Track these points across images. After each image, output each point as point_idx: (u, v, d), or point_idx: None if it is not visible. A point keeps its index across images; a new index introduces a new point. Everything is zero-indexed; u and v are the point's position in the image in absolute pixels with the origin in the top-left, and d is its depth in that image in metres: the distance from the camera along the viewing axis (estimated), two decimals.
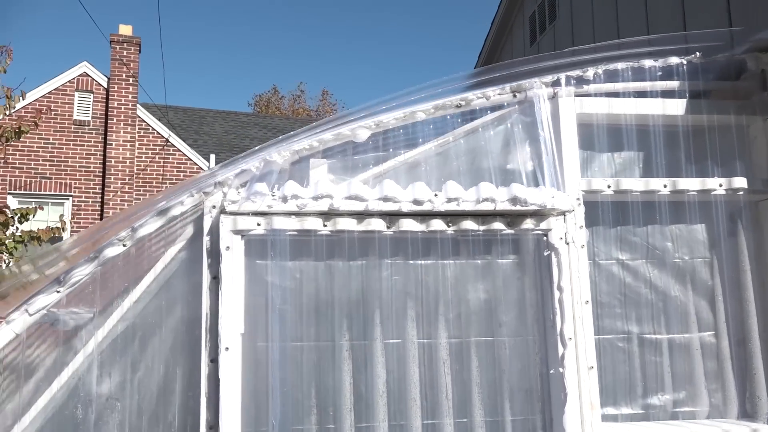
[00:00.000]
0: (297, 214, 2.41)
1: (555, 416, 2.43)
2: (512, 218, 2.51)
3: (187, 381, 2.39)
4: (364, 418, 2.34)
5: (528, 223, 2.51)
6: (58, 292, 2.36)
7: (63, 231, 7.67)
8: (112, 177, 14.81)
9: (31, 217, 6.93)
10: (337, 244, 2.45)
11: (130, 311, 2.43)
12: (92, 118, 14.94)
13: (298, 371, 2.37)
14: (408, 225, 2.45)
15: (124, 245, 2.42)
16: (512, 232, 2.51)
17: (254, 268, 2.43)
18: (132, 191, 14.91)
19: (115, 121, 15.03)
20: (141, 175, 15.22)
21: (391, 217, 2.46)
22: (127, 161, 15.00)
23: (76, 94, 14.89)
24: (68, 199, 14.28)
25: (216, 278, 2.44)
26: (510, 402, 2.41)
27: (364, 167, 2.59)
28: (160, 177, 15.49)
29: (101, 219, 14.36)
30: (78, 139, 14.77)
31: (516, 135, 2.63)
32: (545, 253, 2.52)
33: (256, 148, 2.50)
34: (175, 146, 15.68)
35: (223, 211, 2.41)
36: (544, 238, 2.53)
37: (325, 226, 2.43)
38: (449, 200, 2.43)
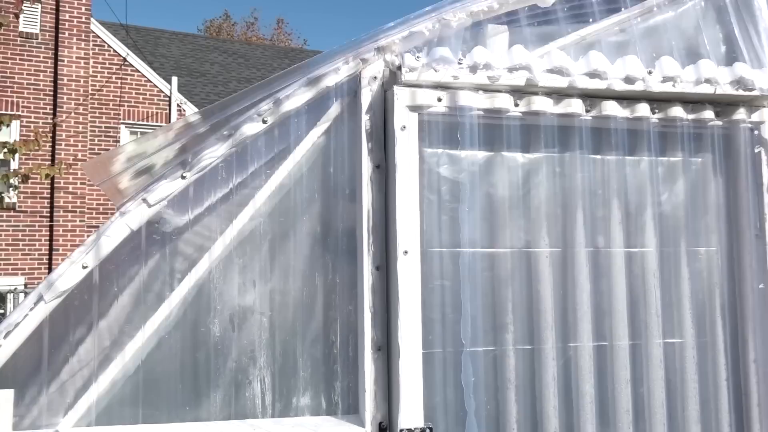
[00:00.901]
0: (486, 89, 1.94)
1: (761, 333, 2.11)
2: (723, 107, 2.12)
3: (347, 292, 1.93)
4: (568, 337, 1.95)
5: (740, 113, 2.12)
6: (183, 177, 1.83)
7: (39, 146, 6.85)
8: (65, 96, 13.57)
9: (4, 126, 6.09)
10: (530, 129, 2.00)
11: (265, 206, 1.93)
12: (41, 31, 13.52)
13: (485, 284, 1.95)
14: (611, 109, 2.02)
15: (264, 121, 1.89)
16: (720, 123, 2.12)
17: (423, 157, 1.96)
18: (87, 113, 13.74)
19: (66, 35, 13.66)
20: (97, 96, 14.02)
21: (591, 99, 2.02)
22: (81, 80, 13.74)
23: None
24: (17, 119, 13.01)
25: (379, 167, 1.96)
26: (722, 320, 2.08)
27: (543, 41, 2.12)
28: (118, 99, 14.34)
29: (53, 142, 13.24)
30: (25, 53, 13.37)
31: (719, 10, 2.21)
32: (756, 150, 2.15)
33: (427, 8, 1.98)
34: (133, 66, 14.49)
35: (396, 82, 1.90)
36: (755, 132, 2.15)
37: (516, 105, 1.97)
38: (665, 80, 2.01)
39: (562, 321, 1.95)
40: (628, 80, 1.98)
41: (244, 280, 1.89)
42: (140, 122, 14.39)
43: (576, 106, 1.99)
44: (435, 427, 1.87)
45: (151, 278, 1.86)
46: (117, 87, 14.31)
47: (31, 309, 1.69)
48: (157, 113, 14.60)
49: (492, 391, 1.93)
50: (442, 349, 1.89)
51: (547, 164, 2.01)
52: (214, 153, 1.84)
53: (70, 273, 1.71)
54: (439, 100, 1.92)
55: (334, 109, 1.99)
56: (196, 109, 14.00)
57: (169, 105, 14.74)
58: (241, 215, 1.92)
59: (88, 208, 13.35)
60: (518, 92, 1.97)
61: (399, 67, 1.91)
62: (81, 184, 13.18)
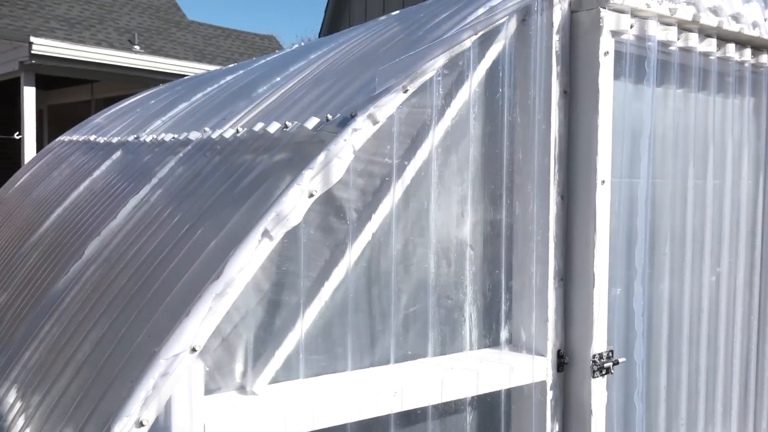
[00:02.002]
0: (667, 22, 1.93)
1: None
2: None
3: (536, 221, 1.86)
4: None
5: None
6: (405, 91, 1.57)
7: None
8: None
9: None
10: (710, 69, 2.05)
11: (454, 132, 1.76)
12: None
13: (660, 213, 2.01)
14: None
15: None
16: None
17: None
18: None
19: None
20: None
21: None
22: None
23: None
24: None
25: (567, 93, 1.88)
26: None
27: None
28: None
29: None
30: None
31: None
32: None
33: None
34: None
35: (602, 5, 1.81)
36: None
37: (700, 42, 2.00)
38: None
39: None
40: None
41: (457, 210, 1.73)
42: None
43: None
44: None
45: (366, 207, 1.61)
46: None
47: (256, 248, 1.38)
48: None
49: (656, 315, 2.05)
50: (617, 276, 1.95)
51: (723, 105, 2.11)
52: (435, 64, 1.61)
53: (300, 203, 1.42)
54: (631, 26, 1.88)
55: (510, 30, 1.84)
56: None
57: None
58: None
59: None
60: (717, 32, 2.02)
61: None
62: None
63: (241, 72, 3.62)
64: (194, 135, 2.34)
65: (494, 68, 1.83)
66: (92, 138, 4.05)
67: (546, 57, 1.85)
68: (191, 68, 10.70)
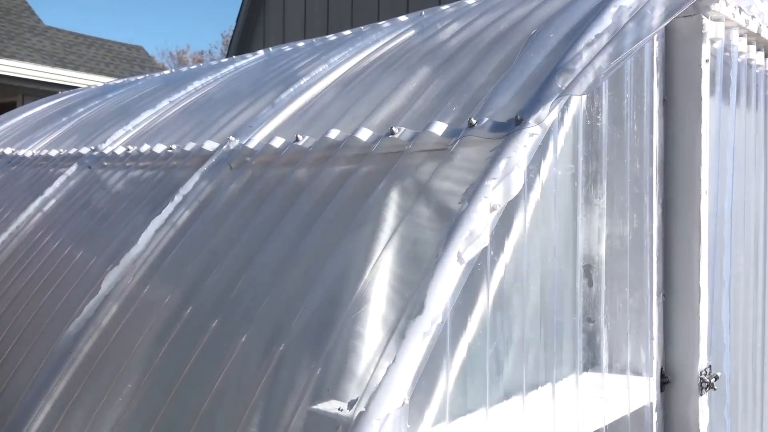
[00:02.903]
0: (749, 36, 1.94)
1: None
2: None
3: (646, 234, 1.76)
4: None
5: None
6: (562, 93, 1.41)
7: None
8: None
9: None
10: None
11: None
12: None
13: (743, 225, 2.00)
14: None
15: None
16: None
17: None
18: None
19: None
20: None
21: None
22: None
23: None
24: None
25: (666, 101, 1.82)
26: None
27: None
28: None
29: None
30: None
31: None
32: None
33: None
34: None
35: (702, 11, 1.76)
36: None
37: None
38: None
39: None
40: None
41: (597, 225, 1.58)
42: None
43: None
44: None
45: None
46: None
47: (457, 275, 1.14)
48: None
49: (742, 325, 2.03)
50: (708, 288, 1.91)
51: None
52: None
53: (488, 219, 1.20)
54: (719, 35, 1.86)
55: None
56: None
57: None
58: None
59: None
60: None
61: None
62: None
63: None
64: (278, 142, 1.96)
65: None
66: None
67: (649, 64, 1.78)
68: (53, 75, 9.74)
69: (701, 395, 1.81)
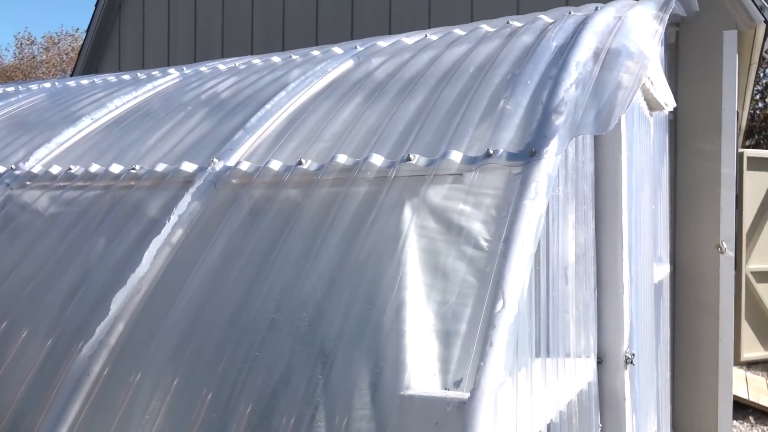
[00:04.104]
0: None
1: None
2: None
3: None
4: None
5: None
6: None
7: None
8: None
9: None
10: None
11: None
12: None
13: None
14: None
15: None
16: None
17: None
18: None
19: None
20: None
21: None
22: None
23: None
24: None
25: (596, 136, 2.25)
26: None
27: None
28: None
29: None
30: None
31: None
32: None
33: None
34: None
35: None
36: None
37: None
38: None
39: None
40: None
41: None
42: None
43: None
44: None
45: None
46: None
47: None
48: None
49: None
50: None
51: None
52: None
53: (531, 226, 1.50)
54: None
55: None
56: None
57: None
58: None
59: None
60: None
61: None
62: None
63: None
64: (275, 165, 2.06)
65: None
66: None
67: None
68: None
69: (625, 370, 2.27)
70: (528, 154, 1.65)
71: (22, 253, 2.25)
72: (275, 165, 2.03)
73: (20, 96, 3.80)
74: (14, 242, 2.33)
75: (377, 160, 1.86)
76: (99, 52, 7.02)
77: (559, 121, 1.71)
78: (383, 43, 2.96)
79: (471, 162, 1.72)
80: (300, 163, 1.98)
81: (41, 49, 25.71)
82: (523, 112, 1.84)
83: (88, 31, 6.92)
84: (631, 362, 2.30)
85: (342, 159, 1.92)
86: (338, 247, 1.71)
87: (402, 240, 1.70)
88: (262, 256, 1.79)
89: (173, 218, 2.00)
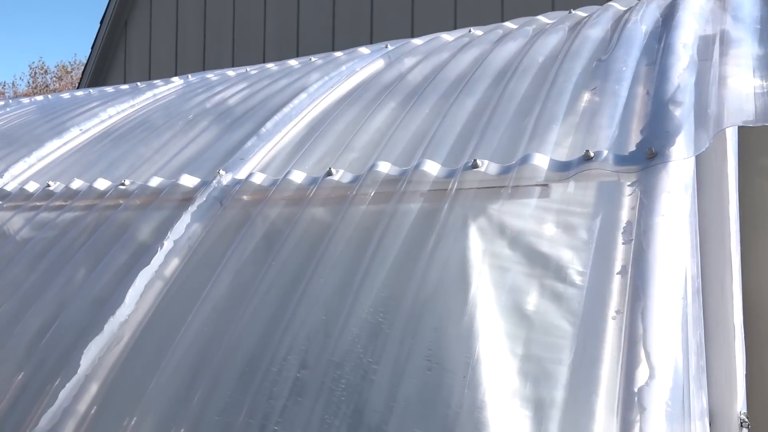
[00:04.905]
0: None
1: None
2: None
3: None
4: None
5: None
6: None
7: None
8: None
9: None
10: None
11: None
12: None
13: None
14: None
15: None
16: None
17: None
18: None
19: None
20: None
21: None
22: None
23: None
24: None
25: None
26: None
27: None
28: None
29: None
30: None
31: None
32: None
33: None
34: None
35: None
36: None
37: None
38: None
39: None
40: None
41: None
42: None
43: None
44: None
45: None
46: None
47: None
48: None
49: None
50: None
51: None
52: None
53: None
54: None
55: None
56: None
57: None
58: None
59: None
60: None
61: None
62: None
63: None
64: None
65: None
66: None
67: None
68: None
69: None
70: (646, 156, 1.21)
71: None
72: (297, 177, 1.60)
73: (8, 109, 3.41)
74: None
75: (432, 167, 1.42)
76: (104, 69, 6.69)
77: (680, 112, 1.28)
78: (418, 41, 2.55)
79: (562, 168, 1.28)
80: (329, 173, 1.55)
81: (54, 78, 25.78)
82: (624, 103, 1.40)
83: (92, 47, 6.60)
84: (747, 427, 1.82)
85: (384, 167, 1.48)
86: (385, 283, 1.27)
87: (471, 274, 1.26)
88: (281, 295, 1.35)
89: (167, 244, 1.56)
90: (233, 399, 1.28)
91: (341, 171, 1.55)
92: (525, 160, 1.32)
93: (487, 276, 1.26)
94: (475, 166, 1.36)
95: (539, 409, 1.14)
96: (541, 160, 1.31)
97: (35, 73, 26.42)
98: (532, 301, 1.24)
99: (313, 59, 2.80)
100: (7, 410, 1.40)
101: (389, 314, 1.24)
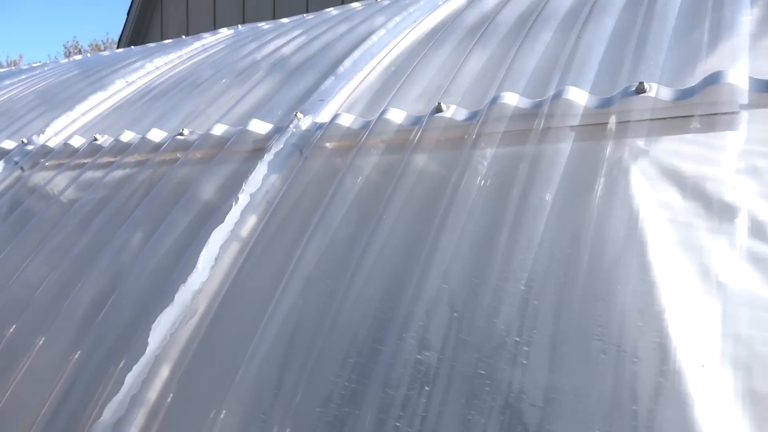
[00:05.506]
0: None
1: None
2: None
3: None
4: None
5: None
6: None
7: None
8: None
9: None
10: None
11: None
12: None
13: None
14: None
15: None
16: None
17: None
18: None
19: None
20: None
21: None
22: None
23: None
24: None
25: None
26: None
27: None
28: None
29: None
30: None
31: None
32: None
33: None
34: None
35: None
36: None
37: None
38: None
39: None
40: None
41: None
42: None
43: None
44: None
45: None
46: None
47: None
48: None
49: None
50: None
51: None
52: None
53: None
54: None
55: None
56: None
57: None
58: None
59: None
60: None
61: None
62: None
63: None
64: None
65: None
66: None
67: None
68: None
69: None
70: None
71: (28, 251, 1.59)
72: (396, 116, 1.31)
73: (45, 69, 3.19)
74: (20, 237, 1.67)
75: (578, 96, 1.12)
76: (141, 31, 6.45)
77: None
78: None
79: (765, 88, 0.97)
80: (439, 109, 1.25)
81: None
82: None
83: (128, 13, 6.36)
84: None
85: (511, 99, 1.19)
86: (539, 240, 0.98)
87: (645, 230, 0.96)
88: (397, 257, 1.07)
89: (242, 199, 1.29)
90: (340, 387, 1.01)
91: (453, 106, 1.26)
92: (713, 80, 1.01)
93: (668, 232, 0.97)
94: (641, 90, 1.05)
95: (758, 404, 0.85)
96: (737, 77, 0.99)
97: (69, 52, 26.58)
98: (729, 266, 0.94)
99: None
100: (61, 399, 1.16)
101: (542, 283, 0.96)
